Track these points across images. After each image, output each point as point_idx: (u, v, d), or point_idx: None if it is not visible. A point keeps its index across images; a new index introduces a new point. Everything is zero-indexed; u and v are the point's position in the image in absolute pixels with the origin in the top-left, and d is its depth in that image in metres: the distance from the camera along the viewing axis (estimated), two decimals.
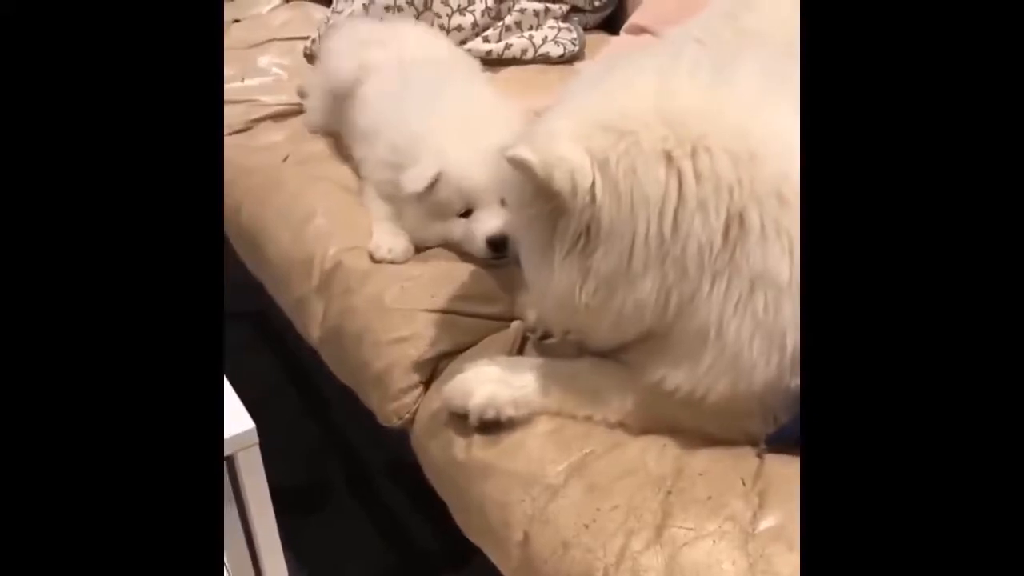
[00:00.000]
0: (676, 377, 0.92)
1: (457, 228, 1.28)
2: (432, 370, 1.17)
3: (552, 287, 0.91)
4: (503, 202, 1.22)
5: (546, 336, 1.15)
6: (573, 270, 0.89)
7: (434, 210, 1.28)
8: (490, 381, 1.01)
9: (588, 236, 0.88)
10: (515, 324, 1.18)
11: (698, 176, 0.84)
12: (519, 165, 0.87)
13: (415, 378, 1.17)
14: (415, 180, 1.25)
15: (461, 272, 1.26)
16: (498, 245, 1.25)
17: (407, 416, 1.16)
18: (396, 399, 1.17)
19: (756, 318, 0.86)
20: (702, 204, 0.84)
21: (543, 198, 0.88)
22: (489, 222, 1.25)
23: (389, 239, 1.31)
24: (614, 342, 0.98)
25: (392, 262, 1.29)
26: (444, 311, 1.20)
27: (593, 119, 0.88)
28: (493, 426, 1.01)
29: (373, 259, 1.30)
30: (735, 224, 0.85)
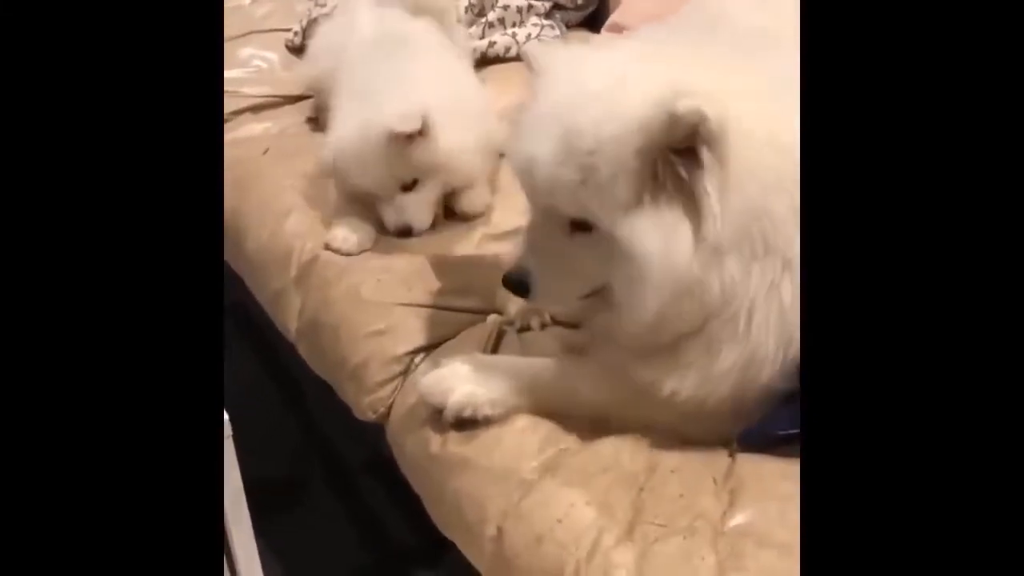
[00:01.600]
0: (686, 380, 0.91)
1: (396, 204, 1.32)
2: (408, 364, 1.17)
3: (675, 255, 0.84)
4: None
5: (525, 329, 1.15)
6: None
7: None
8: (469, 380, 1.01)
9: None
10: (492, 318, 1.18)
11: (789, 153, 0.81)
12: (688, 115, 0.80)
13: (391, 372, 1.17)
14: (402, 119, 1.25)
15: (438, 265, 1.26)
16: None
17: (383, 410, 1.16)
18: (372, 392, 1.17)
19: (781, 306, 0.86)
20: (793, 182, 0.81)
21: (704, 155, 0.81)
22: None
23: (345, 231, 1.32)
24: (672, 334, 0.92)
25: (343, 252, 1.30)
26: (420, 305, 1.21)
27: (705, 85, 0.83)
28: (469, 423, 1.01)
29: (328, 248, 1.32)
30: None
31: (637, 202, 0.84)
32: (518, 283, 0.94)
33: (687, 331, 0.90)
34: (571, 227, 0.90)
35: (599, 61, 0.91)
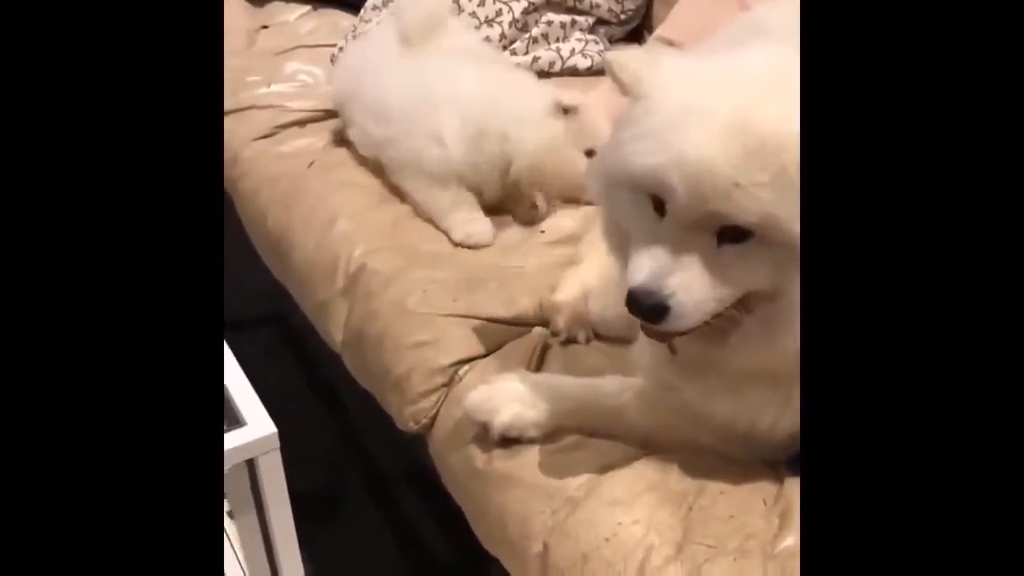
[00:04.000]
0: (787, 413, 0.90)
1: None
2: (452, 375, 1.16)
3: None
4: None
5: (571, 341, 1.15)
6: None
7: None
8: (516, 400, 1.00)
9: None
10: (537, 330, 1.18)
11: None
12: None
13: (434, 383, 1.16)
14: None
15: (484, 276, 1.27)
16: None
17: (425, 421, 1.16)
18: (415, 403, 1.17)
19: None
20: None
21: None
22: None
23: (467, 226, 1.35)
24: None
25: (483, 244, 1.34)
26: (465, 316, 1.20)
27: None
28: (514, 440, 1.01)
29: (462, 245, 1.34)
30: None
31: None
32: (655, 307, 0.80)
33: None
34: (719, 237, 0.80)
35: (743, 59, 0.85)
